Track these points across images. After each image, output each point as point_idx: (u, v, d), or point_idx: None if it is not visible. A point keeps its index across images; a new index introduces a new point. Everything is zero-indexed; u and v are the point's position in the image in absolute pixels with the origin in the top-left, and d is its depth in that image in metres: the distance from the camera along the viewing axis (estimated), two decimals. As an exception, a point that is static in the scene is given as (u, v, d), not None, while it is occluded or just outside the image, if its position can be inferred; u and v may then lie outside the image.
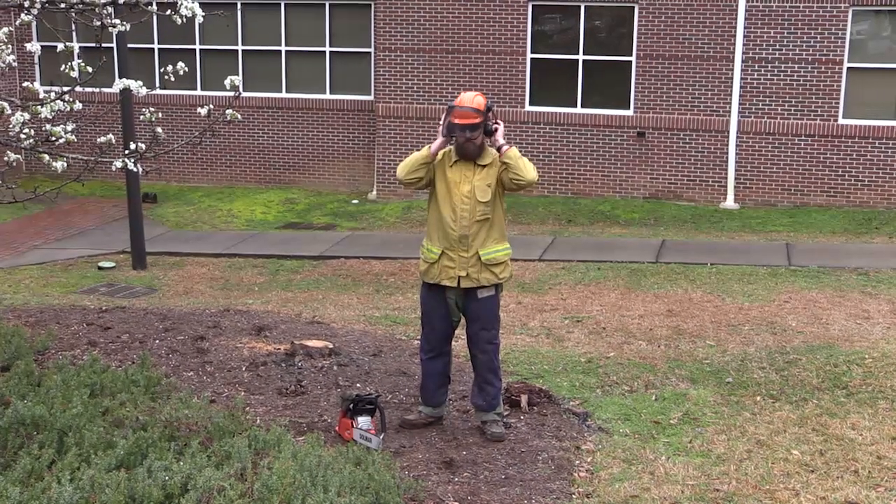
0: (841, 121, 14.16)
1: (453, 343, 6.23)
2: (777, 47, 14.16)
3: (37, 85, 5.28)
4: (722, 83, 14.43)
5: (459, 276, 5.87)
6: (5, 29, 5.37)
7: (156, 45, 16.85)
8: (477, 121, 5.79)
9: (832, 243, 12.52)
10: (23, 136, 5.23)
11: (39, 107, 5.11)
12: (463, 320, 6.09)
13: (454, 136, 5.84)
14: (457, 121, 5.79)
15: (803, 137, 14.32)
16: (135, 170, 5.49)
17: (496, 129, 5.89)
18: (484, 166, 5.90)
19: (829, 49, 13.99)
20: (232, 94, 5.40)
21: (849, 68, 14.04)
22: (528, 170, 5.91)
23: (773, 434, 6.01)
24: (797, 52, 14.10)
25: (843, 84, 14.07)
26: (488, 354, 6.01)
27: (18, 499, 4.01)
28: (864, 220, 13.61)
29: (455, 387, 6.74)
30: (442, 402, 6.21)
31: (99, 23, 5.22)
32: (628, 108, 14.88)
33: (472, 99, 5.86)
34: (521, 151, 6.12)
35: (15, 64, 5.48)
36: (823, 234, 13.07)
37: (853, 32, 14.01)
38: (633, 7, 14.60)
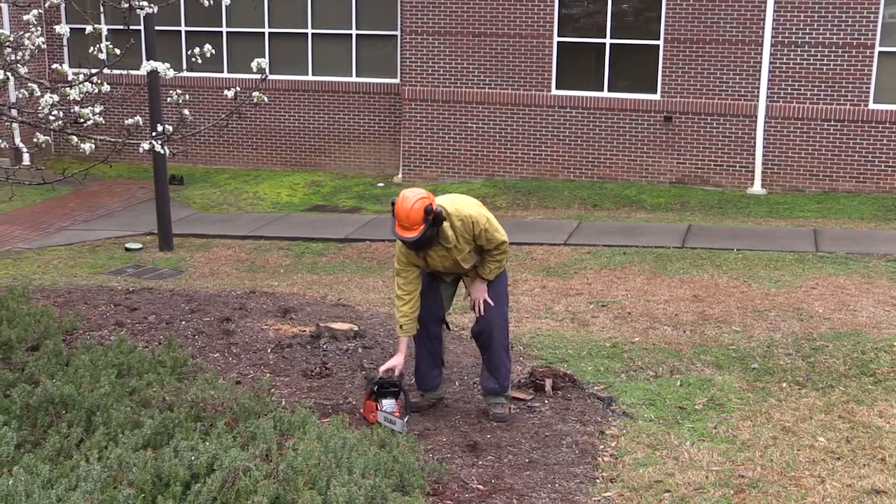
0: (871, 105, 14.00)
1: (463, 332, 6.24)
2: (807, 31, 14.00)
3: (65, 67, 5.32)
4: (750, 67, 14.30)
5: (461, 276, 5.98)
6: (35, 11, 5.40)
7: (183, 28, 16.89)
8: (416, 234, 5.48)
9: (860, 229, 12.40)
10: (52, 117, 5.27)
11: (68, 89, 5.14)
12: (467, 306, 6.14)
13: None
14: (398, 231, 5.54)
15: (832, 122, 14.18)
16: (162, 152, 5.52)
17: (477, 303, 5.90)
18: (452, 247, 5.70)
19: (860, 32, 13.81)
20: (258, 76, 5.41)
21: (880, 52, 13.87)
22: (501, 259, 5.87)
23: (799, 421, 5.97)
24: (827, 35, 13.93)
25: (874, 68, 13.90)
26: (501, 332, 5.99)
27: (48, 476, 4.06)
28: (894, 206, 13.46)
29: (477, 370, 6.76)
30: (436, 385, 6.19)
31: (127, 5, 5.25)
32: (655, 92, 14.79)
33: (409, 209, 5.46)
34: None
35: (44, 46, 5.51)
36: (852, 220, 12.95)
37: (885, 16, 13.81)
38: (662, -10, 14.48)
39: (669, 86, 14.67)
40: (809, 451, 5.51)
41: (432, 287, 6.00)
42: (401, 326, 5.85)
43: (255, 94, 5.49)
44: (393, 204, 5.56)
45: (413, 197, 5.51)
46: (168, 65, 5.29)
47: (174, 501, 3.95)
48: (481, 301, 5.90)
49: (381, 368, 5.90)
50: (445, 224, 5.61)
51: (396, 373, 5.84)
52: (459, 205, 5.74)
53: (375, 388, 5.87)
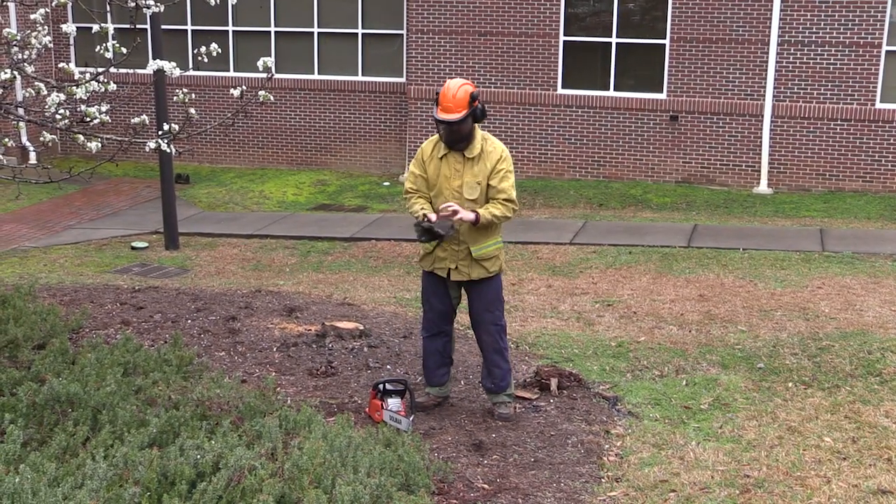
0: (878, 105, 13.97)
1: (469, 332, 6.24)
2: (814, 30, 13.97)
3: (72, 66, 5.33)
4: (757, 66, 14.27)
5: (450, 269, 5.91)
6: (42, 10, 5.41)
7: (189, 27, 16.91)
8: (459, 114, 5.62)
9: (867, 229, 12.38)
10: (58, 116, 5.28)
11: (74, 87, 5.15)
12: (466, 302, 6.11)
13: (439, 128, 5.75)
14: (439, 115, 5.65)
15: (839, 122, 14.15)
16: (168, 150, 5.53)
17: (454, 214, 5.65)
18: (472, 160, 5.77)
19: (867, 32, 13.78)
20: (264, 75, 5.42)
21: (887, 52, 13.83)
22: (505, 213, 5.76)
23: (805, 421, 5.97)
24: (834, 34, 13.90)
25: (881, 68, 13.87)
26: (493, 336, 6.01)
27: (54, 474, 4.06)
28: (901, 205, 13.43)
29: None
30: (443, 382, 6.22)
31: (133, 4, 5.26)
32: (661, 91, 14.77)
33: (455, 91, 5.64)
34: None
35: (51, 45, 5.52)
36: (858, 219, 12.92)
37: (893, 15, 13.78)
38: (668, -11, 14.46)
39: (676, 85, 14.65)
40: (815, 451, 5.50)
41: (440, 286, 6.00)
42: (421, 207, 5.89)
43: (262, 93, 5.49)
44: (437, 94, 5.70)
45: (459, 82, 5.71)
46: (174, 64, 5.30)
47: (180, 500, 3.96)
48: (450, 209, 5.68)
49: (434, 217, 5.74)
50: (479, 133, 5.78)
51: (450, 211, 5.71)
52: (496, 139, 5.92)
53: (381, 387, 5.89)
